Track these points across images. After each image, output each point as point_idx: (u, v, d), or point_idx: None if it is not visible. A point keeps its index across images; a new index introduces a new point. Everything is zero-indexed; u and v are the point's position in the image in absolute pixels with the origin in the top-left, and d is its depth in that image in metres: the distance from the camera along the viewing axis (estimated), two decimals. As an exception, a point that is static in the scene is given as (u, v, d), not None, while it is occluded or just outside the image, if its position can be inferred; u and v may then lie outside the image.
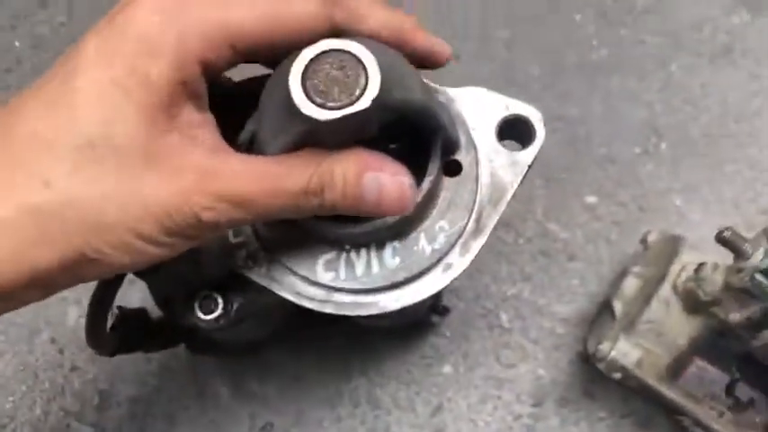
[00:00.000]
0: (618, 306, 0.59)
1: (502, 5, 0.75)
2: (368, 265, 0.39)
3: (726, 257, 0.54)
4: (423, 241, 0.39)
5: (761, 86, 0.77)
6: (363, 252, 0.39)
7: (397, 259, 0.39)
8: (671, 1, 0.79)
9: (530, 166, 0.41)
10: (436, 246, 0.39)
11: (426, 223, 0.39)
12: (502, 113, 0.41)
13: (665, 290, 0.56)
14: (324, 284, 0.39)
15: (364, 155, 0.32)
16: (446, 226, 0.39)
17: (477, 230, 0.40)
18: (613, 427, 0.63)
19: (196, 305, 0.41)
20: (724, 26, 0.78)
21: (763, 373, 0.54)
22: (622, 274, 0.62)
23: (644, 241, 0.63)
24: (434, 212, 0.40)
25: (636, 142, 0.73)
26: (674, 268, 0.56)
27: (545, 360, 0.65)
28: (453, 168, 0.40)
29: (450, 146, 0.39)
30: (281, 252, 0.39)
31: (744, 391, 0.55)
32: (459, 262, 0.40)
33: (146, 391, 0.62)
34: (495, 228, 0.71)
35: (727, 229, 0.50)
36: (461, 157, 0.40)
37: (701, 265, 0.55)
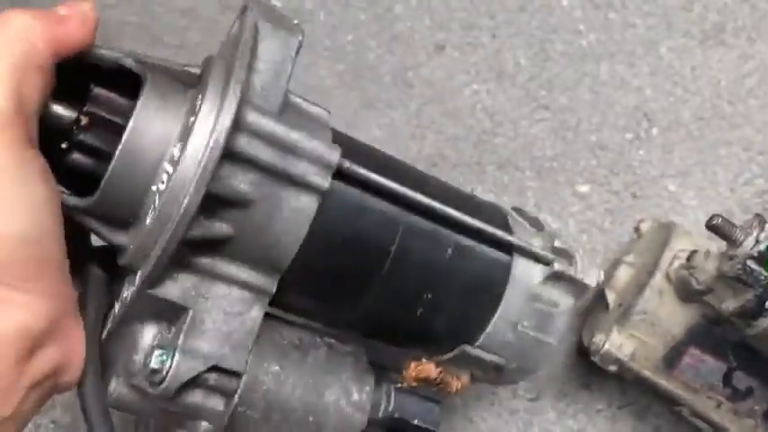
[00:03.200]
0: (611, 296, 0.58)
1: (486, -7, 0.73)
2: None
3: (720, 244, 0.53)
4: None
5: (754, 66, 0.75)
6: None
7: None
8: (659, -19, 0.77)
9: None
10: None
11: None
12: None
13: (658, 279, 0.55)
14: None
15: None
16: None
17: None
18: (611, 419, 0.62)
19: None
20: (714, 5, 0.77)
21: (761, 361, 0.53)
22: (615, 263, 0.61)
23: (637, 229, 0.62)
24: None
25: (627, 128, 0.71)
26: (667, 256, 0.56)
27: (541, 353, 0.64)
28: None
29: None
30: None
31: (741, 380, 0.54)
32: None
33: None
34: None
35: (717, 216, 0.49)
36: None
37: (693, 252, 0.54)
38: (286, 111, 0.36)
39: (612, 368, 0.56)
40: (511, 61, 0.72)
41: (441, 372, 0.42)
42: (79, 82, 0.33)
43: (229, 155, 0.32)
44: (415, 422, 0.41)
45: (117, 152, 0.32)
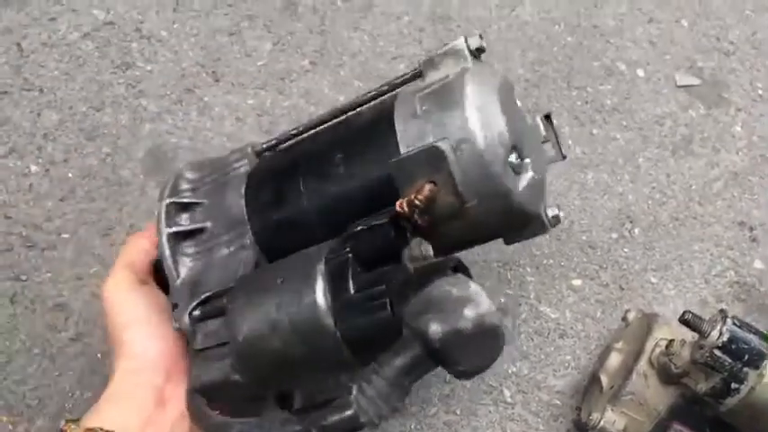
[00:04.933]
0: (604, 379, 0.68)
1: (487, 114, 0.86)
2: None
3: (694, 333, 0.63)
4: None
5: (720, 172, 0.87)
6: None
7: None
8: (635, 99, 0.89)
9: None
10: None
11: None
12: None
13: (643, 364, 0.65)
14: None
15: None
16: None
17: None
18: (610, 488, 0.70)
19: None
20: (683, 119, 0.89)
21: (734, 433, 0.62)
22: (607, 349, 0.70)
23: (624, 319, 0.72)
24: None
25: (612, 229, 0.82)
26: (649, 345, 0.65)
27: (545, 430, 0.73)
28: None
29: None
30: None
31: (718, 451, 0.63)
32: None
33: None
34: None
35: (687, 312, 0.60)
36: None
37: (670, 341, 0.64)
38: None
39: (608, 442, 0.65)
40: (510, 173, 0.84)
41: (401, 203, 0.43)
42: None
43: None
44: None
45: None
